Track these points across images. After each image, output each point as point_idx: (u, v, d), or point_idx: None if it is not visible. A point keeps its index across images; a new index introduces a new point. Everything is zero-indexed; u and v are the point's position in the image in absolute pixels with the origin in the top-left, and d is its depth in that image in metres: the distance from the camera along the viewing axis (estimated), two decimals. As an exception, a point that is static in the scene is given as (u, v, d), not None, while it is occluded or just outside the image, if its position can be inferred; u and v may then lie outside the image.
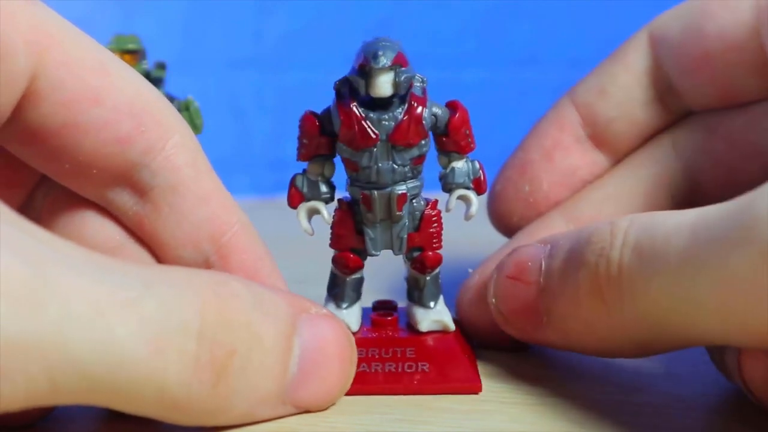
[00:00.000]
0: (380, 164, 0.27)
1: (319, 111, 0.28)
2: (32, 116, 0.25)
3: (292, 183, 0.28)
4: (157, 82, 0.39)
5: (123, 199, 0.28)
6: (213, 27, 0.74)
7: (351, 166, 0.27)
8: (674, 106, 0.32)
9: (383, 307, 0.31)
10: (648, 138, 0.32)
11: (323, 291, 0.29)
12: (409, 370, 0.27)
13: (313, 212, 0.28)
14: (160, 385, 0.21)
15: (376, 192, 0.27)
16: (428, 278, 0.29)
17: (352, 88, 0.27)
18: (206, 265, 0.28)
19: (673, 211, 0.23)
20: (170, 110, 0.28)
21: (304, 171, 0.28)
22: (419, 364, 0.28)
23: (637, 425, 0.24)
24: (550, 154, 0.33)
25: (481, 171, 0.28)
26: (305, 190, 0.28)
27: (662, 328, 0.23)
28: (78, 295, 0.19)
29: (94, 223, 0.28)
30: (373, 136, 0.26)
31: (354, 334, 0.28)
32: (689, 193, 0.31)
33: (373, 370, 0.27)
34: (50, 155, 0.26)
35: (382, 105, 0.27)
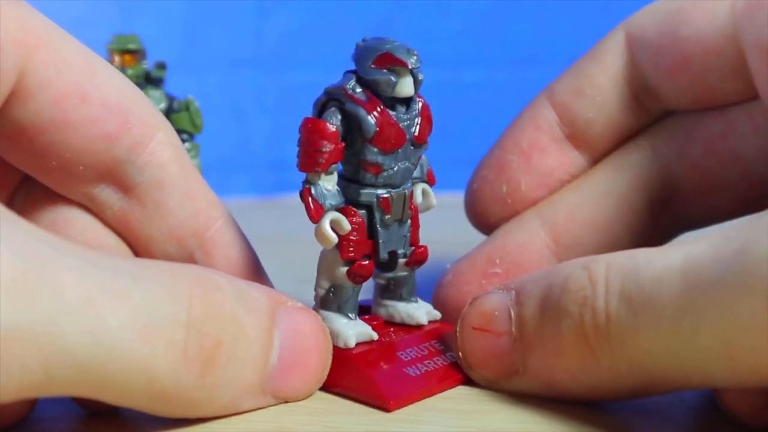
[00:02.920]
0: (401, 164, 0.27)
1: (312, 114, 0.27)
2: (20, 114, 0.26)
3: (309, 195, 0.26)
4: (157, 82, 0.39)
5: (107, 195, 0.28)
6: (213, 27, 0.74)
7: (373, 169, 0.27)
8: (652, 107, 0.31)
9: None
10: (627, 138, 0.32)
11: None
12: (452, 359, 0.27)
13: (333, 223, 0.26)
14: (149, 375, 0.21)
15: (393, 192, 0.27)
16: (413, 274, 0.29)
17: (368, 88, 0.26)
18: (191, 260, 0.29)
19: (652, 249, 0.23)
20: (153, 109, 0.28)
21: (308, 181, 0.26)
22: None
23: (638, 424, 0.24)
24: (528, 155, 0.32)
25: (428, 164, 0.29)
26: (324, 200, 0.26)
27: (659, 375, 0.22)
28: (70, 286, 0.19)
29: (74, 224, 0.28)
30: (405, 136, 0.26)
31: (375, 341, 0.28)
32: (666, 196, 0.31)
33: (422, 371, 0.27)
34: (37, 153, 0.26)
35: (397, 104, 0.26)
